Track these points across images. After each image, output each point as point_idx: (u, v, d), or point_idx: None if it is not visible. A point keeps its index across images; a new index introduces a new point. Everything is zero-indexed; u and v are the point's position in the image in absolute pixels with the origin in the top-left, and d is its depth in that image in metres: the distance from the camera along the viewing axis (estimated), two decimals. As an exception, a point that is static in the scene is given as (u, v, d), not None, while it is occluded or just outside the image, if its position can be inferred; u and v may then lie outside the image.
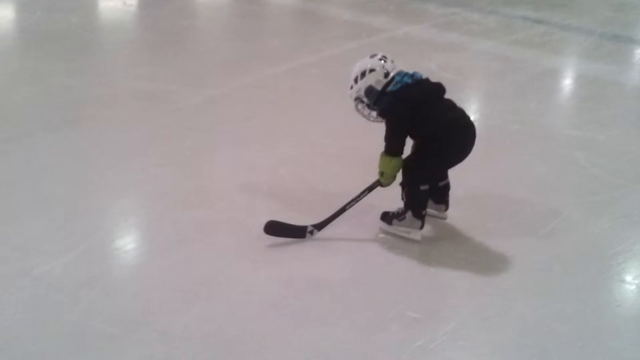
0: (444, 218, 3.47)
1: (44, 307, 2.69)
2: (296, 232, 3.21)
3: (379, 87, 3.12)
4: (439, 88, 3.20)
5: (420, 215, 3.21)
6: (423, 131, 3.14)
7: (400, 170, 3.18)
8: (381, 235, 3.32)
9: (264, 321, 2.68)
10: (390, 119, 3.14)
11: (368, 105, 3.20)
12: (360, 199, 3.25)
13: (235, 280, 2.95)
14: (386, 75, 3.13)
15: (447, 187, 3.40)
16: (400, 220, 3.25)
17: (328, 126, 4.73)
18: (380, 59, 3.17)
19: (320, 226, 3.23)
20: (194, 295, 2.81)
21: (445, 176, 3.39)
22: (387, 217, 3.31)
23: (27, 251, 3.07)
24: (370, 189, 3.25)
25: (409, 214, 3.21)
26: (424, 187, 3.17)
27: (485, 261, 3.18)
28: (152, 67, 5.94)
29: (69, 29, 7.07)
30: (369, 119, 3.25)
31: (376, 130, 3.25)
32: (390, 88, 3.11)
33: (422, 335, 2.62)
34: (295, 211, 3.47)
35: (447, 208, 3.46)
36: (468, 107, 5.08)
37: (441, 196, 3.42)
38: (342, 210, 3.24)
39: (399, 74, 3.13)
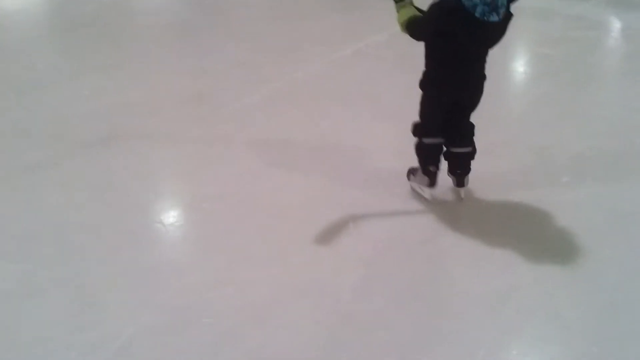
0: (459, 197, 3.15)
1: None
2: None
3: None
4: (480, 46, 2.75)
5: (427, 172, 3.04)
6: (429, 59, 2.83)
7: None
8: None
9: None
10: (430, 9, 2.69)
11: None
12: None
13: None
14: None
15: (461, 156, 3.05)
16: (415, 175, 3.15)
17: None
18: None
19: None
20: None
21: (459, 143, 3.01)
22: (408, 170, 3.20)
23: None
24: None
25: (419, 170, 3.09)
26: (427, 141, 3.00)
27: None
28: (198, 59, 5.03)
29: (100, 11, 6.14)
30: None
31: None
32: None
33: None
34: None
35: (460, 184, 3.12)
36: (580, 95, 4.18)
37: (453, 166, 3.09)
38: None
39: None
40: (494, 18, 2.55)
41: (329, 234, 2.91)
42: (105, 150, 3.62)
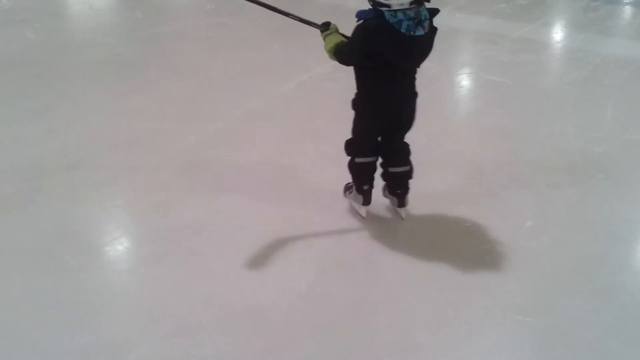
0: (400, 217, 3.16)
1: None
2: None
3: None
4: (409, 62, 2.73)
5: (361, 190, 3.08)
6: (359, 80, 2.84)
7: None
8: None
9: None
10: (355, 32, 2.68)
11: None
12: (300, 20, 2.97)
13: None
14: None
15: (399, 175, 3.05)
16: (350, 192, 3.19)
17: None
18: None
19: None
20: None
21: (397, 163, 3.02)
22: (345, 187, 3.25)
23: None
24: (310, 23, 2.95)
25: (354, 187, 3.13)
26: (359, 160, 3.02)
27: None
28: (133, 98, 4.71)
29: (25, 50, 5.75)
30: None
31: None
32: (385, 10, 2.54)
33: None
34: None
35: (401, 204, 3.11)
36: (539, 125, 4.04)
37: (392, 187, 3.10)
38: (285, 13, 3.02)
39: (404, 11, 2.52)
40: (420, 32, 2.56)
41: (267, 254, 2.91)
42: (26, 211, 3.28)
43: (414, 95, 2.87)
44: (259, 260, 2.89)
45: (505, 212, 3.26)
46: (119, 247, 3.06)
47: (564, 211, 3.29)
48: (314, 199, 3.35)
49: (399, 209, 3.16)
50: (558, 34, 6.48)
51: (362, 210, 3.14)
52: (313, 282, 2.75)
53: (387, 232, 3.09)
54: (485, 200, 3.36)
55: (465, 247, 2.99)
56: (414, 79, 2.84)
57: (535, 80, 5.11)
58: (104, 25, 6.59)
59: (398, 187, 3.09)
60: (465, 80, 5.15)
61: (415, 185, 3.13)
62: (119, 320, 2.57)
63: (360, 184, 3.08)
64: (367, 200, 3.10)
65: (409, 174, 3.07)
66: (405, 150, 3.03)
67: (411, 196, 3.14)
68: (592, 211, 3.28)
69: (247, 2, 3.14)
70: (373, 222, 3.14)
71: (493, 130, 4.16)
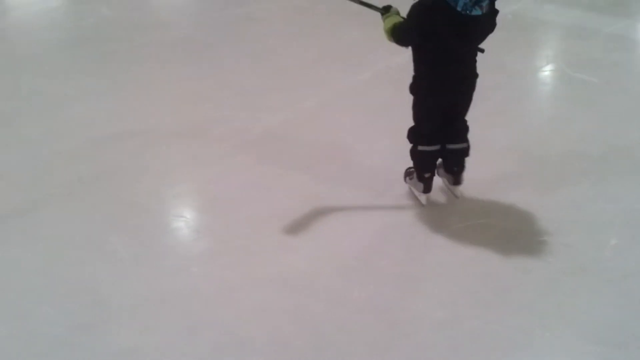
0: (455, 195, 3.17)
1: None
2: None
3: None
4: (464, 42, 2.69)
5: (422, 178, 3.04)
6: (417, 62, 2.83)
7: None
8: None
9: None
10: (412, 9, 2.67)
11: None
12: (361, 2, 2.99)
13: None
14: None
15: (457, 152, 3.01)
16: (410, 178, 3.16)
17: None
18: None
19: None
20: None
21: (455, 139, 2.99)
22: (405, 172, 3.20)
23: None
24: (371, 6, 2.96)
25: (415, 174, 3.08)
26: (422, 148, 2.97)
27: None
28: (203, 84, 4.57)
29: (98, 27, 5.70)
30: None
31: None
32: None
33: None
34: None
35: (456, 182, 3.09)
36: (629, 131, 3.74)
37: (449, 164, 3.06)
38: None
39: None
40: (477, 12, 2.51)
41: (327, 230, 2.94)
42: (84, 199, 3.20)
43: (473, 77, 2.85)
44: (316, 264, 2.76)
45: (588, 226, 2.99)
46: (173, 241, 2.95)
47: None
48: (379, 187, 3.27)
49: (453, 188, 3.15)
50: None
51: (422, 197, 3.12)
52: (372, 294, 2.60)
53: (444, 219, 3.05)
54: (567, 213, 3.10)
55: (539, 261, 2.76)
56: (474, 61, 2.82)
57: (628, 81, 4.71)
58: (178, 4, 6.49)
59: (455, 164, 3.05)
60: (550, 78, 4.80)
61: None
62: (161, 324, 2.44)
63: (422, 171, 3.04)
64: (427, 188, 3.08)
65: (466, 152, 3.04)
66: (464, 128, 3.00)
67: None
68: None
69: None
70: (431, 208, 3.12)
71: (578, 134, 3.84)
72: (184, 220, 3.13)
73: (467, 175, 3.10)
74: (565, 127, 3.97)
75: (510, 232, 2.97)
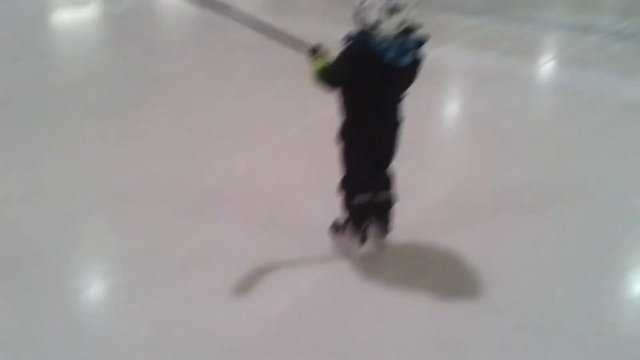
0: (386, 244, 3.14)
1: None
2: None
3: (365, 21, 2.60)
4: (391, 90, 2.75)
5: (358, 228, 3.01)
6: (344, 108, 2.81)
7: None
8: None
9: None
10: (340, 55, 2.68)
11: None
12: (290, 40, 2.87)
13: None
14: (375, 23, 2.58)
15: (387, 201, 3.02)
16: (341, 231, 3.11)
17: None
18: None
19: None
20: None
21: (383, 188, 2.99)
22: (332, 226, 3.18)
23: None
24: (299, 45, 2.84)
25: (346, 226, 3.05)
26: (357, 197, 2.95)
27: None
28: (128, 147, 4.38)
29: (12, 91, 5.39)
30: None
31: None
32: (371, 37, 2.59)
33: None
34: None
35: (386, 230, 3.09)
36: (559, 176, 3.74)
37: (380, 213, 3.05)
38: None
39: (389, 41, 2.57)
40: (404, 61, 2.59)
41: (243, 281, 2.90)
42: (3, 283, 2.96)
43: (398, 122, 2.86)
44: (242, 323, 2.70)
45: (525, 275, 2.99)
46: (98, 320, 2.76)
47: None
48: (311, 242, 3.22)
49: (383, 237, 3.13)
50: (571, 73, 6.21)
51: (356, 249, 3.07)
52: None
53: (376, 269, 3.02)
54: (498, 257, 3.08)
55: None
56: (400, 107, 2.84)
57: (550, 124, 4.82)
58: (93, 64, 6.28)
59: (386, 213, 3.06)
60: (471, 125, 4.84)
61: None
62: None
63: (358, 221, 3.01)
64: (363, 239, 3.05)
65: (394, 199, 3.05)
66: (391, 175, 3.01)
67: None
68: None
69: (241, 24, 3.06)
70: (362, 259, 3.07)
71: (507, 179, 3.88)
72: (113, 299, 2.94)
73: (396, 223, 3.10)
74: (492, 172, 4.00)
75: (442, 279, 2.97)
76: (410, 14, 2.58)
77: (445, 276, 2.99)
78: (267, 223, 3.42)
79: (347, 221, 3.06)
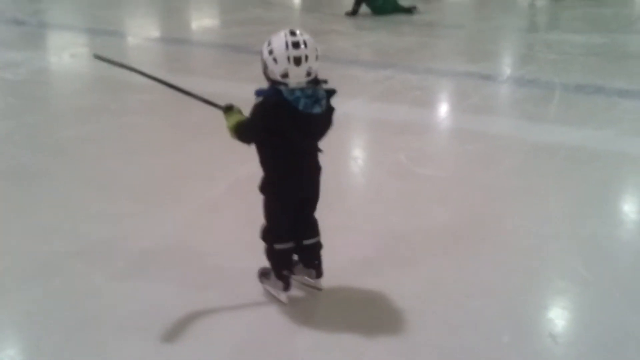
0: (318, 288, 3.24)
1: None
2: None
3: (274, 74, 2.73)
4: (307, 139, 2.86)
5: (281, 276, 3.10)
6: (264, 160, 2.93)
7: None
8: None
9: None
10: (255, 109, 2.79)
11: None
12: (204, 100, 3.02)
13: None
14: (284, 75, 2.70)
15: (313, 247, 3.14)
16: (267, 278, 3.19)
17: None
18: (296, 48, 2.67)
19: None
20: None
21: (309, 235, 3.12)
22: (260, 272, 3.25)
23: None
24: (212, 103, 3.00)
25: (272, 274, 3.13)
26: (279, 246, 3.05)
27: None
28: (44, 216, 4.18)
29: None
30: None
31: None
32: (282, 88, 2.70)
33: None
34: None
35: (319, 275, 3.19)
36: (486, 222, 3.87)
37: (308, 259, 3.17)
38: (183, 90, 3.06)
39: (300, 91, 2.69)
40: (317, 110, 2.71)
41: (180, 339, 2.92)
42: None
43: (318, 170, 2.98)
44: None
45: (463, 318, 3.01)
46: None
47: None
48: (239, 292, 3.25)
49: (315, 281, 3.22)
50: (479, 121, 6.43)
51: (283, 295, 3.16)
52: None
53: (308, 314, 3.14)
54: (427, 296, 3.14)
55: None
56: (316, 154, 2.95)
57: (469, 171, 4.96)
58: (1, 131, 5.99)
59: (315, 258, 3.16)
60: (396, 175, 4.91)
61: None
62: None
63: (281, 269, 3.10)
64: (287, 286, 3.13)
65: (320, 245, 3.17)
66: (315, 222, 3.13)
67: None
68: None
69: (155, 82, 3.13)
70: (292, 304, 3.18)
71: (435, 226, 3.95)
72: None
73: (326, 267, 3.21)
74: (427, 223, 4.07)
75: (372, 321, 3.07)
76: (314, 65, 2.70)
77: (375, 317, 3.10)
78: (198, 277, 3.42)
79: (271, 268, 3.15)
